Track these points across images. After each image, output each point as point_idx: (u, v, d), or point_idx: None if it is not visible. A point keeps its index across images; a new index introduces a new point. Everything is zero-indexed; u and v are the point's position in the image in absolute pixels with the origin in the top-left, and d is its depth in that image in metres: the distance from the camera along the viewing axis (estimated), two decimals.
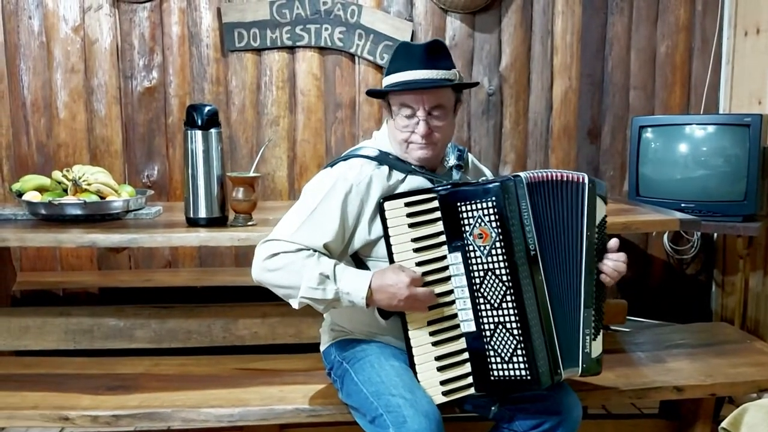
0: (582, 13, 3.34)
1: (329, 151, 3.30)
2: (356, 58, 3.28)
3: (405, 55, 1.73)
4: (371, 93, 1.83)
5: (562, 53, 3.36)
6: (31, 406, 1.91)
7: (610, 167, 3.45)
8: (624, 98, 3.42)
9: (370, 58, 3.24)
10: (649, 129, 3.09)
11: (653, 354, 2.29)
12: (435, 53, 1.72)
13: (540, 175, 1.69)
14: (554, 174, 1.70)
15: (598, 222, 1.73)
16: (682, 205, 2.88)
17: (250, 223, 2.18)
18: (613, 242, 1.77)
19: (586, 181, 1.70)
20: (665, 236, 3.44)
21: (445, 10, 3.29)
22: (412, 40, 3.24)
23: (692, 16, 3.38)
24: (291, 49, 3.25)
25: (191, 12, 3.18)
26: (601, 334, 1.76)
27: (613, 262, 1.74)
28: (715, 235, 3.39)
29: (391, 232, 1.66)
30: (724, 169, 2.93)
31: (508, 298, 1.61)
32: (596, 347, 1.74)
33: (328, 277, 1.62)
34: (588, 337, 1.71)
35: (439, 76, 1.70)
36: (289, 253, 1.64)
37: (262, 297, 2.29)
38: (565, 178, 1.70)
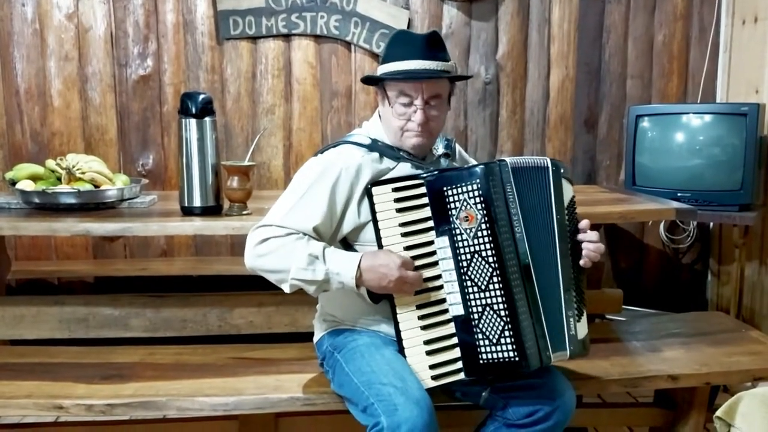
0: (579, 1, 3.32)
1: (325, 139, 3.29)
2: (352, 47, 3.26)
3: (405, 43, 1.75)
4: (368, 79, 1.83)
5: (559, 42, 3.35)
6: (26, 394, 1.90)
7: (606, 156, 3.44)
8: (621, 87, 3.41)
9: (366, 46, 3.23)
10: (646, 118, 3.08)
11: (648, 343, 2.29)
12: (434, 44, 1.74)
13: (522, 160, 1.71)
14: (529, 159, 1.73)
15: (566, 204, 1.74)
16: (679, 194, 2.88)
17: (245, 212, 2.17)
18: (584, 223, 1.78)
19: (549, 164, 1.72)
20: (661, 225, 3.44)
21: None
22: (408, 28, 3.21)
23: (690, 5, 3.36)
24: (287, 37, 3.23)
25: None
26: (584, 315, 1.77)
27: (594, 245, 1.75)
28: (711, 224, 3.39)
29: (379, 217, 1.68)
30: (721, 158, 2.93)
31: (495, 279, 1.63)
32: (581, 329, 1.75)
33: (317, 257, 1.63)
34: (572, 319, 1.72)
35: (440, 67, 1.72)
36: (279, 237, 1.65)
37: (257, 286, 2.28)
38: (532, 163, 1.72)
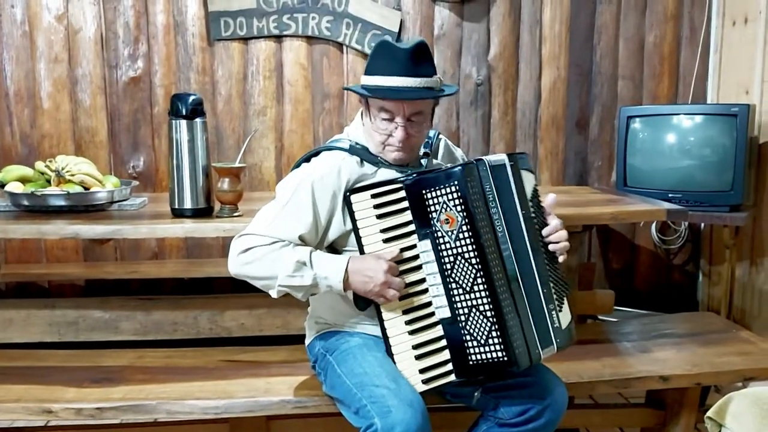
0: (570, 2, 3.32)
1: (317, 141, 3.28)
2: (344, 48, 3.25)
3: (388, 57, 1.70)
4: (350, 90, 1.82)
5: (551, 43, 3.35)
6: (15, 399, 1.89)
7: (598, 157, 3.45)
8: (612, 88, 3.41)
9: (358, 47, 3.22)
10: (637, 119, 3.09)
11: (640, 344, 2.30)
12: (419, 58, 1.70)
13: (492, 158, 1.69)
14: (492, 158, 1.70)
15: (530, 195, 1.74)
16: (670, 195, 2.89)
17: (235, 213, 2.16)
18: (550, 198, 1.78)
19: (507, 160, 1.70)
20: (653, 226, 3.45)
21: None
22: (400, 29, 3.22)
23: (680, 6, 3.37)
24: (278, 39, 3.22)
25: (176, 0, 3.14)
26: (566, 302, 1.78)
27: (557, 234, 1.75)
28: (702, 225, 3.40)
29: (359, 224, 1.67)
30: (712, 159, 2.94)
31: (479, 280, 1.62)
32: (564, 318, 1.75)
33: (304, 263, 1.63)
34: (554, 312, 1.72)
35: (422, 84, 1.69)
36: (264, 246, 1.65)
37: (249, 288, 2.28)
38: (495, 161, 1.69)
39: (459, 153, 2.00)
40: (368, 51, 3.20)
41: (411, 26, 3.25)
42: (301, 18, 3.19)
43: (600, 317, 3.02)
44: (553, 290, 1.74)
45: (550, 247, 1.75)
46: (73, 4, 3.10)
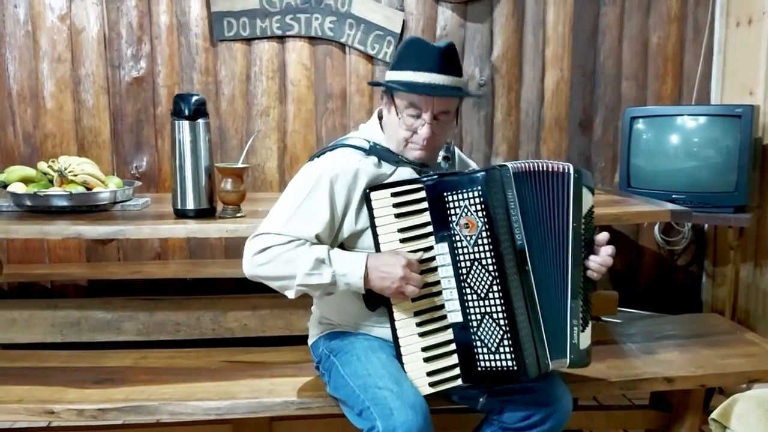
0: (574, 2, 3.32)
1: (320, 142, 3.28)
2: (347, 48, 3.25)
3: (420, 53, 1.69)
4: (377, 84, 1.80)
5: (554, 43, 3.34)
6: (16, 399, 1.88)
7: (601, 158, 3.44)
8: (616, 89, 3.41)
9: (361, 48, 3.22)
10: (641, 120, 3.08)
11: (644, 345, 2.29)
12: (450, 58, 1.70)
13: (527, 165, 1.68)
14: (541, 164, 1.69)
15: (584, 213, 1.72)
16: (674, 196, 2.88)
17: (238, 214, 2.15)
18: (603, 236, 1.76)
19: (572, 171, 1.69)
20: (656, 227, 3.44)
21: (437, 0, 3.26)
22: (403, 30, 3.21)
23: (684, 7, 3.37)
24: (281, 39, 3.22)
25: (179, 1, 3.14)
26: (589, 326, 1.76)
27: (601, 258, 1.73)
28: (706, 226, 3.39)
29: (377, 222, 1.66)
30: (716, 160, 2.93)
31: (495, 288, 1.61)
32: (584, 339, 1.73)
33: (323, 261, 1.62)
34: (576, 328, 1.70)
35: (454, 83, 1.69)
36: (279, 245, 1.63)
37: (252, 289, 2.27)
38: (551, 169, 1.69)
39: (473, 163, 1.99)
40: (371, 51, 3.21)
41: (414, 27, 3.25)
42: (304, 18, 3.18)
43: (604, 318, 3.01)
44: (581, 308, 1.71)
45: (591, 265, 1.73)
46: (76, 4, 3.10)
